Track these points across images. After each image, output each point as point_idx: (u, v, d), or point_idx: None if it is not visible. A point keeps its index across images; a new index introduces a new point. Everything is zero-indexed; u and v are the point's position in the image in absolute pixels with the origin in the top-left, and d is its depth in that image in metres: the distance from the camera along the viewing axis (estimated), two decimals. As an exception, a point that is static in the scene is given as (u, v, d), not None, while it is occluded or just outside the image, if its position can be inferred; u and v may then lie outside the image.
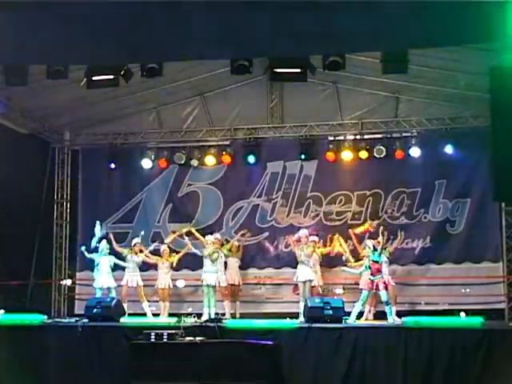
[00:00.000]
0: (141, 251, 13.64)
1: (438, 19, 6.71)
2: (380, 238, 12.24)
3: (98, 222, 13.72)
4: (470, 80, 12.08)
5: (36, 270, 14.86)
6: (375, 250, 12.10)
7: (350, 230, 13.46)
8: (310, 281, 12.80)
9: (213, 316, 12.36)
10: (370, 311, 12.70)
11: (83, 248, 13.69)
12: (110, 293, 13.08)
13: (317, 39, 7.06)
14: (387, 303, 11.95)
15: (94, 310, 11.69)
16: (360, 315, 12.07)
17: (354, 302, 12.02)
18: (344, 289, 13.92)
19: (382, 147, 14.42)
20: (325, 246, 13.53)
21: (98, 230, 13.57)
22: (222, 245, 13.48)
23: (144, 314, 13.29)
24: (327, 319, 10.93)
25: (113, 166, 15.47)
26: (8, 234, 13.17)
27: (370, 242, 12.35)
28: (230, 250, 13.59)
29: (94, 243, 13.46)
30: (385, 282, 12.02)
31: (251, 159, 15.00)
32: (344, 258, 13.13)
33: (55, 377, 10.99)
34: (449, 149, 14.14)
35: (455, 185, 14.38)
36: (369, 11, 6.60)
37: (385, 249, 12.57)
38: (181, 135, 15.42)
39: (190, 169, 15.39)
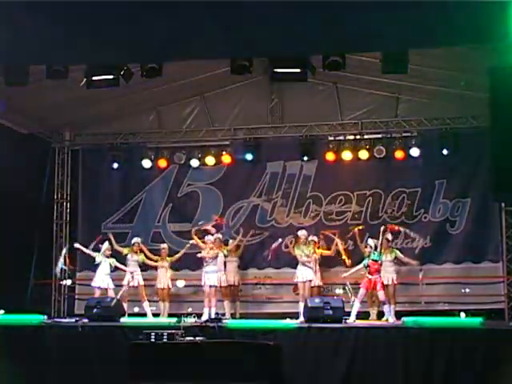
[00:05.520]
0: (141, 251, 13.67)
1: (438, 19, 6.70)
2: (381, 238, 12.30)
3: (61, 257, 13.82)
4: (470, 80, 12.08)
5: (36, 270, 14.86)
6: (376, 249, 12.16)
7: (354, 230, 13.44)
8: (310, 281, 12.83)
9: (213, 316, 12.37)
10: (377, 312, 12.68)
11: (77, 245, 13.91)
12: (107, 293, 13.07)
13: (317, 39, 7.06)
14: (385, 303, 12.01)
15: (94, 310, 11.71)
16: (359, 315, 12.08)
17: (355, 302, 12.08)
18: (344, 289, 13.90)
19: (381, 147, 14.42)
20: (325, 248, 13.56)
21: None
22: (222, 245, 13.49)
23: (144, 314, 13.30)
24: (327, 319, 10.94)
25: (113, 166, 15.48)
26: (8, 233, 13.17)
27: (371, 241, 12.40)
28: (228, 250, 13.61)
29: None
30: (382, 282, 12.06)
31: (251, 159, 15.00)
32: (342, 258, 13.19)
33: (55, 377, 10.99)
34: (448, 149, 14.16)
35: (455, 185, 14.38)
36: (369, 11, 6.60)
37: (389, 248, 12.61)
38: (181, 135, 15.41)
39: (189, 169, 15.38)
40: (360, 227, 13.63)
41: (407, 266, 14.15)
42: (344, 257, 13.12)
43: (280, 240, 13.88)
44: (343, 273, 13.14)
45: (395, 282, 12.57)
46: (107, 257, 13.31)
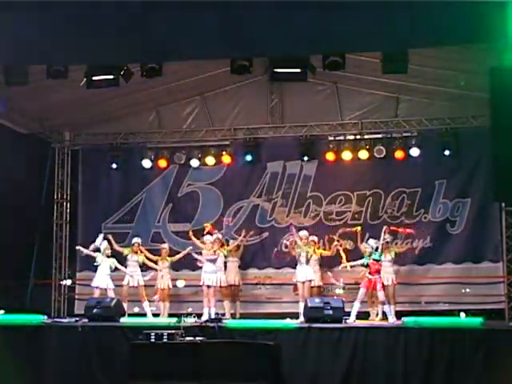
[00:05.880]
0: (141, 251, 13.65)
1: (438, 19, 6.71)
2: (382, 239, 12.34)
3: (101, 235, 13.66)
4: (469, 80, 12.08)
5: (36, 270, 14.85)
6: (377, 249, 12.17)
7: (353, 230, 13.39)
8: (310, 281, 12.82)
9: (213, 316, 12.37)
10: (377, 312, 12.67)
11: (78, 247, 13.83)
12: (107, 293, 13.05)
13: (317, 39, 7.07)
14: (384, 303, 12.03)
15: (94, 310, 11.70)
16: (359, 315, 12.08)
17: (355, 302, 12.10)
18: (344, 289, 13.91)
19: (381, 147, 14.42)
20: (324, 248, 13.56)
21: (99, 242, 13.49)
22: (222, 245, 13.48)
23: (144, 314, 13.29)
24: (327, 319, 10.94)
25: (113, 166, 15.48)
26: (8, 233, 13.16)
27: (372, 242, 12.40)
28: (229, 251, 13.60)
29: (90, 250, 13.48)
30: (382, 283, 12.07)
31: (251, 159, 15.01)
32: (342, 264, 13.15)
33: (55, 377, 11.00)
34: (448, 149, 14.17)
35: (455, 185, 14.37)
36: (369, 11, 6.61)
37: (388, 248, 12.60)
38: (181, 135, 15.42)
39: (189, 169, 15.37)
40: (358, 228, 13.53)
41: (407, 266, 14.19)
42: (344, 260, 13.06)
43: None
44: (343, 273, 13.15)
45: (395, 282, 12.57)
46: (107, 256, 13.29)
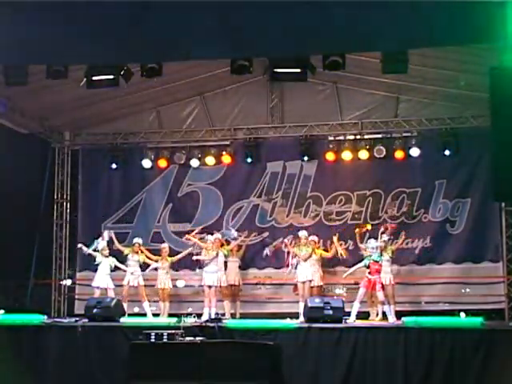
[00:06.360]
0: (141, 251, 13.65)
1: (438, 19, 6.72)
2: (380, 239, 12.36)
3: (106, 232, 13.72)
4: (470, 80, 12.09)
5: (36, 270, 14.86)
6: (376, 249, 12.19)
7: (356, 230, 13.40)
8: (310, 281, 12.83)
9: (213, 316, 12.37)
10: (377, 312, 12.67)
11: (80, 245, 13.85)
12: (107, 293, 13.06)
13: (317, 39, 7.07)
14: (384, 303, 12.04)
15: (94, 310, 11.70)
16: (359, 315, 12.09)
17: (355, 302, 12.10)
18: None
19: (381, 147, 14.42)
20: (325, 249, 13.56)
21: (106, 236, 13.55)
22: (222, 245, 13.49)
23: (144, 314, 13.30)
24: (327, 319, 10.95)
25: (113, 166, 15.47)
26: (8, 233, 13.17)
27: (373, 242, 12.41)
28: (230, 251, 13.60)
29: (94, 246, 13.50)
30: (382, 283, 12.08)
31: (251, 159, 15.01)
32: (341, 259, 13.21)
33: (55, 377, 11.00)
34: (448, 149, 14.18)
35: (455, 185, 14.37)
36: (369, 11, 6.61)
37: (385, 248, 12.60)
38: (181, 135, 15.42)
39: (189, 169, 15.37)
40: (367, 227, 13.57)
41: (407, 266, 14.19)
42: (341, 251, 13.15)
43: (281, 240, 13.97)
44: (344, 273, 13.15)
45: (392, 283, 12.58)
46: (106, 256, 13.31)
